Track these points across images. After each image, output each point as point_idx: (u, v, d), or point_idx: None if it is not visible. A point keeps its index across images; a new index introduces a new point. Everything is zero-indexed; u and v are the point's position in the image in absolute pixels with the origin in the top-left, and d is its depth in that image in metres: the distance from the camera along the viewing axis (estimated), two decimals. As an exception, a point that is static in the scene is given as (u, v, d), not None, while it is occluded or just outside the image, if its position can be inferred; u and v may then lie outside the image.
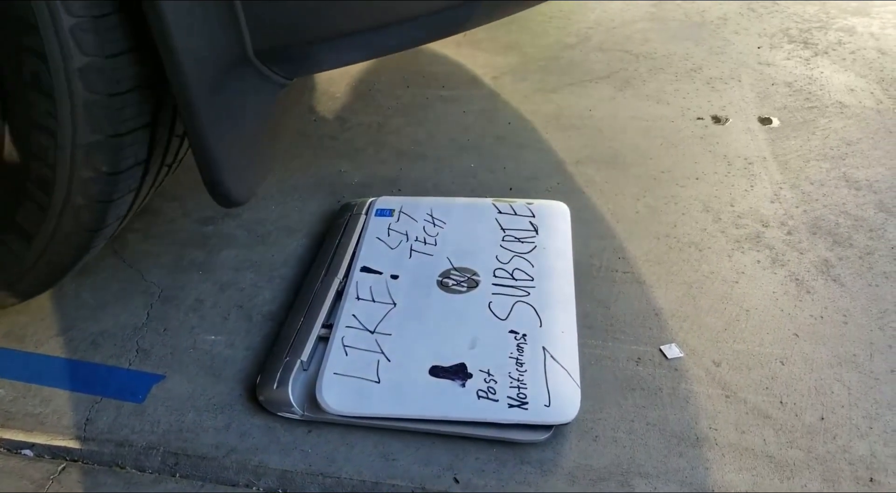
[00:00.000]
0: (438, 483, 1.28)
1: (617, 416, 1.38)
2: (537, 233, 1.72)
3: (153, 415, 1.40)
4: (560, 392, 1.35)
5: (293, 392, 1.39)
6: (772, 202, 1.89)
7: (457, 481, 1.29)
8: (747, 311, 1.59)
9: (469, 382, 1.37)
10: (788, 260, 1.72)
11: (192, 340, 1.55)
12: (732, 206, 1.88)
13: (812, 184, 1.96)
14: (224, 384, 1.46)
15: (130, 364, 1.50)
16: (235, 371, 1.48)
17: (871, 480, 1.27)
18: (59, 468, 1.32)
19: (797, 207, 1.89)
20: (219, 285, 1.69)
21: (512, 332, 1.47)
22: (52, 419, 1.39)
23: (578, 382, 1.38)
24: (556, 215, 1.79)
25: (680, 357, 1.49)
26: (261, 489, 1.29)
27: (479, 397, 1.35)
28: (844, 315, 1.58)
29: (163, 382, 1.47)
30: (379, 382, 1.38)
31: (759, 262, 1.72)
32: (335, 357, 1.43)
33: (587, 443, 1.34)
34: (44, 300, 1.63)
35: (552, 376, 1.38)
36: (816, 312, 1.59)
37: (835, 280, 1.67)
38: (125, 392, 1.44)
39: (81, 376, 1.48)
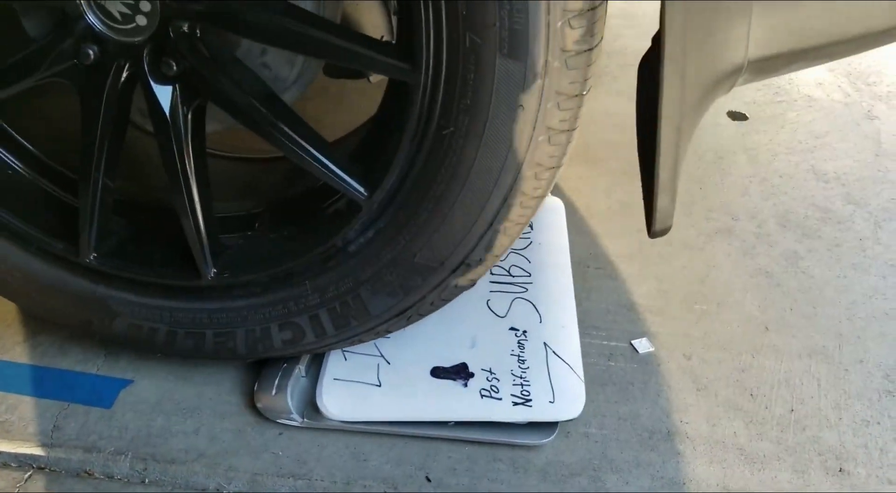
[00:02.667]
0: (410, 483, 1.28)
1: (588, 411, 1.37)
2: (532, 229, 1.71)
3: (121, 420, 1.38)
4: (564, 388, 1.35)
5: (292, 399, 1.37)
6: (742, 196, 1.91)
7: (429, 480, 1.28)
8: (718, 304, 1.60)
9: (471, 381, 1.36)
10: (758, 253, 1.74)
11: None
12: (703, 199, 1.89)
13: (781, 177, 1.98)
14: (193, 388, 1.44)
15: (98, 369, 1.48)
16: (205, 375, 1.46)
17: (841, 470, 1.29)
18: (26, 476, 1.30)
19: (766, 200, 1.91)
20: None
21: (512, 329, 1.46)
22: (19, 427, 1.37)
23: (582, 376, 1.38)
24: (551, 211, 1.78)
25: (651, 351, 1.49)
26: None
27: (482, 396, 1.34)
28: (814, 307, 1.60)
29: (131, 386, 1.45)
30: (380, 385, 1.36)
31: (729, 255, 1.73)
32: (334, 362, 1.41)
33: (559, 439, 1.34)
34: (10, 306, 1.59)
35: (555, 372, 1.37)
36: (786, 304, 1.60)
37: (804, 272, 1.69)
38: (93, 398, 1.42)
39: (48, 383, 1.46)
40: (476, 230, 1.15)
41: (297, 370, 1.41)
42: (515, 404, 1.32)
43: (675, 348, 1.50)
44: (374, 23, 1.48)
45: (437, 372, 1.38)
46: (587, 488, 1.27)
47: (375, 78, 1.54)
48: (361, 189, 1.17)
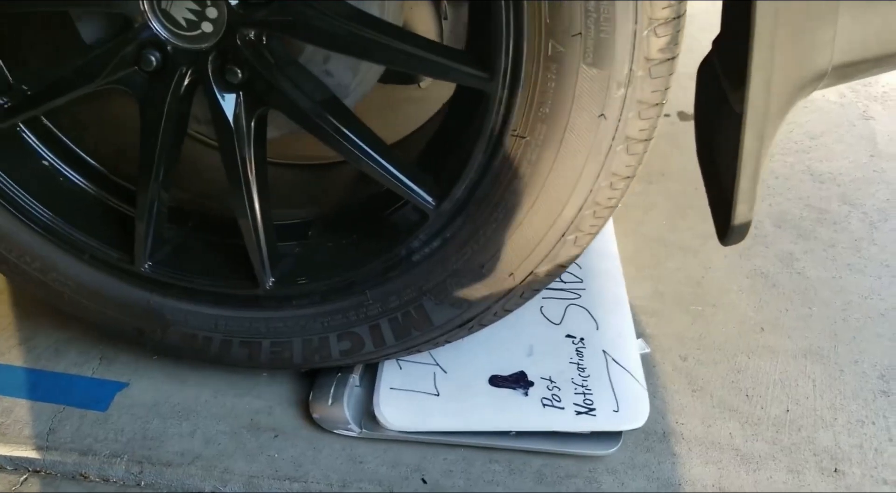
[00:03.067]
0: (406, 485, 1.27)
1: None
2: None
3: (117, 423, 1.38)
4: (627, 397, 1.32)
5: (349, 409, 1.35)
6: (739, 197, 1.90)
7: (424, 482, 1.28)
8: (714, 305, 1.60)
9: (531, 390, 1.34)
10: (754, 254, 1.73)
11: None
12: (699, 201, 1.88)
13: (777, 178, 1.98)
14: (189, 390, 1.43)
15: (94, 372, 1.47)
16: (201, 377, 1.45)
17: (836, 470, 1.28)
18: (22, 479, 1.30)
19: (762, 201, 1.90)
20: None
21: (569, 336, 1.44)
22: (14, 430, 1.36)
23: (644, 385, 1.35)
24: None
25: (647, 352, 1.49)
26: (225, 495, 1.29)
27: (543, 405, 1.31)
28: (809, 308, 1.59)
29: (127, 389, 1.44)
30: (438, 394, 1.34)
31: (725, 256, 1.72)
32: (389, 371, 1.38)
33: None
34: (5, 309, 1.60)
35: (617, 381, 1.35)
36: (782, 305, 1.60)
37: (799, 273, 1.69)
38: (88, 401, 1.42)
39: (44, 386, 1.45)
40: (548, 241, 1.13)
41: (351, 379, 1.38)
42: (579, 413, 1.30)
43: (671, 350, 1.50)
44: (425, 27, 1.46)
45: (496, 381, 1.36)
46: (582, 488, 1.26)
47: (425, 83, 1.53)
48: (429, 198, 1.15)
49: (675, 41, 0.97)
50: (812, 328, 1.54)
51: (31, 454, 1.33)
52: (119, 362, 1.49)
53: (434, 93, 1.86)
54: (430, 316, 1.24)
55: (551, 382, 1.35)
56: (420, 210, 1.16)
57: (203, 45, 1.12)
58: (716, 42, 1.19)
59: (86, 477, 1.31)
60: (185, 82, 1.16)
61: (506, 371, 1.37)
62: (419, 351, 1.32)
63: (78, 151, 1.38)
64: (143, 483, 1.29)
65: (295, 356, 1.33)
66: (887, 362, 1.47)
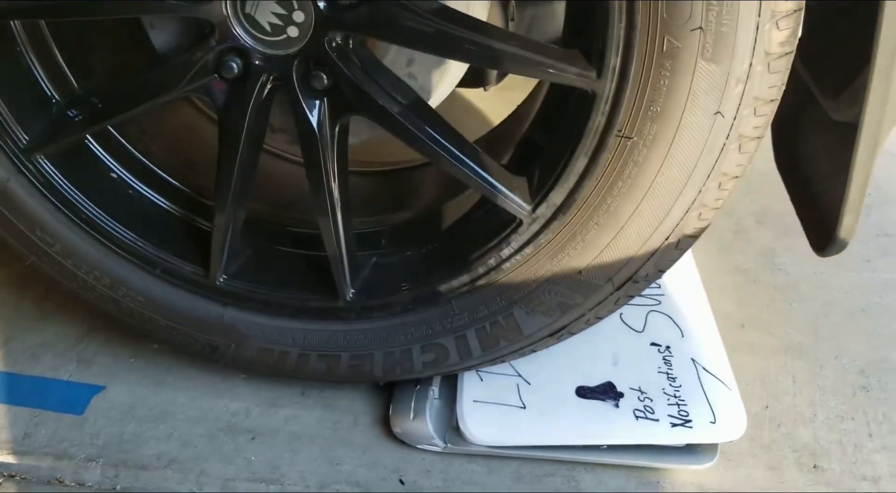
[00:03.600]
0: (384, 486, 1.26)
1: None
2: None
3: (93, 427, 1.36)
4: (724, 407, 1.28)
5: (432, 423, 1.30)
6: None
7: (402, 482, 1.27)
8: (695, 302, 1.58)
9: (622, 401, 1.29)
10: (736, 250, 1.74)
11: (134, 349, 1.51)
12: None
13: (759, 175, 1.90)
14: (166, 393, 1.42)
15: (70, 376, 1.46)
16: (178, 379, 1.45)
17: (815, 466, 1.28)
18: (-3, 484, 1.28)
19: (745, 197, 1.92)
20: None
21: (654, 345, 1.40)
22: (-10, 435, 1.34)
23: (738, 394, 1.31)
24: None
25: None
26: (203, 498, 1.27)
27: (636, 417, 1.27)
28: (790, 304, 1.60)
29: (103, 392, 1.43)
30: (524, 407, 1.30)
31: (706, 253, 1.72)
32: (470, 383, 1.34)
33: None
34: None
35: (711, 391, 1.30)
36: (763, 301, 1.61)
37: (780, 269, 1.70)
38: (64, 404, 1.41)
39: (20, 390, 1.44)
40: (650, 245, 1.09)
41: (430, 392, 1.34)
42: (674, 425, 1.25)
43: (652, 347, 1.48)
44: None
45: (583, 392, 1.32)
46: (561, 487, 1.25)
47: (491, 86, 1.49)
48: (523, 204, 1.11)
49: (795, 34, 0.94)
50: (793, 324, 1.55)
51: (6, 458, 1.31)
52: (96, 364, 1.49)
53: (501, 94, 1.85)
54: (521, 325, 1.20)
55: (641, 392, 1.31)
56: (513, 215, 1.12)
57: (288, 51, 1.08)
58: (799, 47, 1.13)
59: (61, 481, 1.29)
60: (267, 90, 1.12)
61: (592, 382, 1.33)
62: (504, 361, 1.28)
63: (147, 162, 1.35)
64: (118, 487, 1.28)
65: (375, 369, 1.30)
66: (868, 357, 1.47)
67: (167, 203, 1.36)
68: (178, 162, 1.38)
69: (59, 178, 1.24)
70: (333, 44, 1.07)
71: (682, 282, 1.54)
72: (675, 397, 1.30)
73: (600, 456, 1.27)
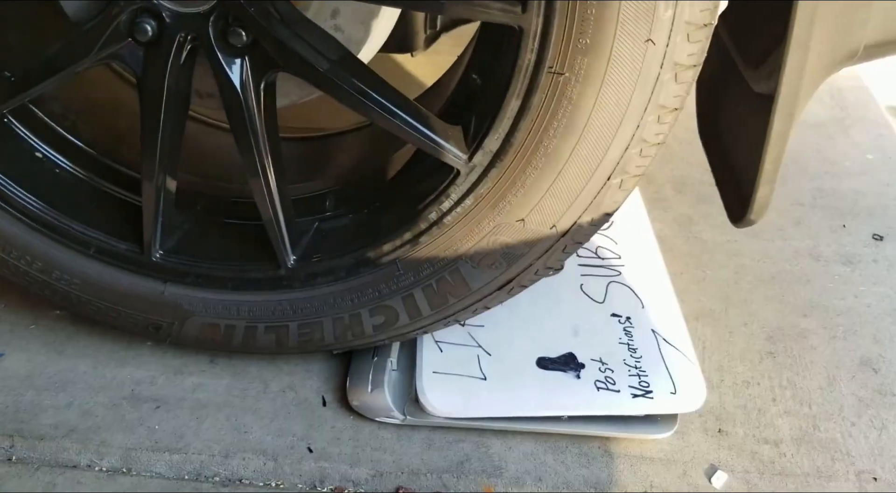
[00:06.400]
0: (292, 454, 1.25)
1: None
2: None
3: None
4: (684, 378, 1.27)
5: (390, 395, 1.28)
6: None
7: (311, 450, 1.25)
8: (610, 268, 1.58)
9: (583, 372, 1.28)
10: (653, 218, 1.72)
11: (34, 316, 1.47)
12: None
13: (679, 143, 1.99)
14: (67, 361, 1.39)
15: None
16: (80, 347, 1.41)
17: (720, 431, 1.30)
18: None
19: (665, 165, 1.94)
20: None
21: (614, 315, 1.39)
22: None
23: (698, 365, 1.31)
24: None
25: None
26: (104, 469, 1.23)
27: (598, 388, 1.26)
28: (704, 271, 1.62)
29: (1, 360, 1.39)
30: (485, 378, 1.28)
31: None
32: (430, 354, 1.31)
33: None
34: None
35: (671, 361, 1.29)
36: (677, 268, 1.61)
37: (696, 236, 1.71)
38: None
39: None
40: (592, 186, 1.06)
41: (388, 364, 1.32)
42: (635, 396, 1.25)
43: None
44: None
45: (544, 363, 1.30)
46: (471, 453, 1.26)
47: (418, 53, 1.46)
48: (459, 153, 1.07)
49: None
50: (705, 291, 1.56)
51: None
52: (-7, 332, 1.44)
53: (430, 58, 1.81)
54: (468, 280, 1.18)
55: (602, 363, 1.30)
56: (450, 166, 1.09)
57: (203, 7, 1.04)
58: (723, 16, 1.16)
59: (-47, 455, 1.25)
60: (186, 51, 1.08)
61: (552, 353, 1.32)
62: (457, 321, 1.26)
63: (73, 140, 1.30)
64: (14, 458, 1.24)
65: (326, 337, 1.27)
66: (775, 323, 1.49)
67: (98, 180, 1.32)
68: (107, 138, 1.34)
69: (-21, 160, 1.18)
70: (250, -4, 1.02)
71: (642, 253, 1.54)
72: (636, 367, 1.29)
73: (562, 427, 1.26)
